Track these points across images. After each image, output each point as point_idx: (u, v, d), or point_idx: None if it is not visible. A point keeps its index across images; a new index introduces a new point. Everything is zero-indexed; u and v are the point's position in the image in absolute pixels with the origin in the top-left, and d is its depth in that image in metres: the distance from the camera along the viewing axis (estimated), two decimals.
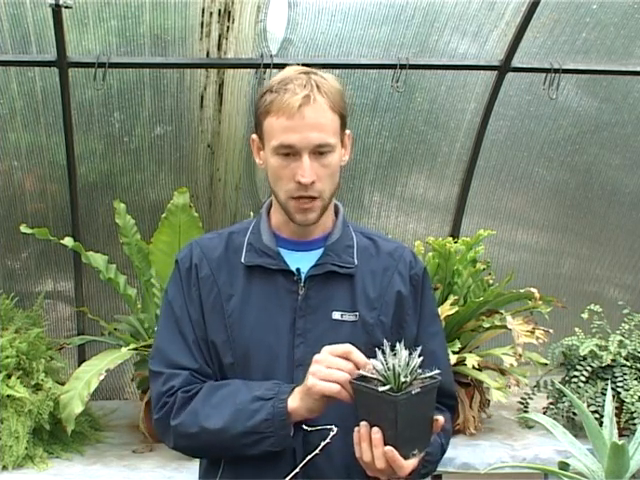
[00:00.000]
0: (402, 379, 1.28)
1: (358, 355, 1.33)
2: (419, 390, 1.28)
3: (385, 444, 1.30)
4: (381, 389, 1.27)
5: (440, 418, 1.36)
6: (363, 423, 1.33)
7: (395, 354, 1.31)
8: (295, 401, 1.37)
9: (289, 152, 1.42)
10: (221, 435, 1.40)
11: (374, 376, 1.31)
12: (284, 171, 1.43)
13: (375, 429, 1.31)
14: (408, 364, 1.29)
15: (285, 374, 1.46)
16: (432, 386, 1.32)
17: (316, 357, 1.36)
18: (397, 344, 1.32)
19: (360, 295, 1.50)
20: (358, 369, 1.33)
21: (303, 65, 1.53)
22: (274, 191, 1.48)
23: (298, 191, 1.43)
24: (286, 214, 1.48)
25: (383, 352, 1.32)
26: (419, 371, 1.31)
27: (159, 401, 1.48)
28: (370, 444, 1.31)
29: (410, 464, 1.32)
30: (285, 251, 1.52)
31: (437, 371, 1.33)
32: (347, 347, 1.35)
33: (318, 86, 1.42)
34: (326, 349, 1.36)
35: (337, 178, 1.49)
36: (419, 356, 1.31)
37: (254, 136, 1.51)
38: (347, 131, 1.51)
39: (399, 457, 1.30)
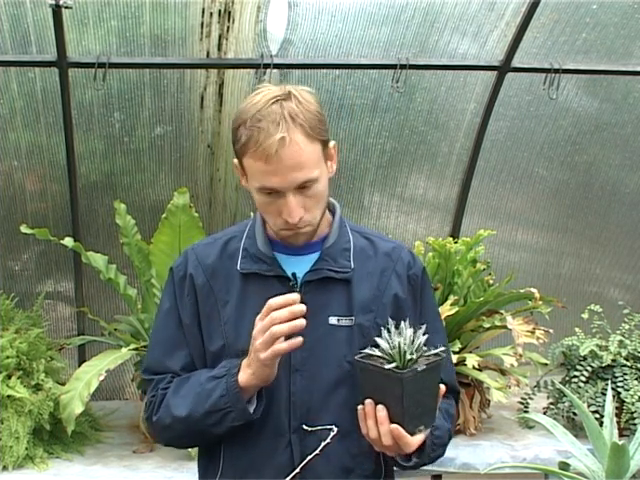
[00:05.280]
0: (408, 357, 1.29)
1: (276, 302, 1.35)
2: (424, 367, 1.30)
3: (391, 421, 1.32)
4: (387, 367, 1.28)
5: (442, 387, 1.39)
6: (368, 401, 1.34)
7: (400, 332, 1.32)
8: (245, 373, 1.40)
9: (272, 192, 1.40)
10: (189, 420, 1.45)
11: (379, 354, 1.32)
12: (270, 207, 1.43)
13: (380, 407, 1.32)
14: (413, 342, 1.31)
15: (282, 379, 1.46)
16: (437, 363, 1.34)
17: (254, 331, 1.38)
18: (402, 323, 1.33)
19: (356, 299, 1.50)
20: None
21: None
22: (264, 218, 1.51)
23: (287, 225, 1.43)
24: (278, 237, 1.51)
25: (388, 330, 1.33)
26: (424, 349, 1.33)
27: (146, 403, 1.55)
28: (376, 421, 1.33)
29: (417, 440, 1.34)
30: (281, 255, 1.52)
31: (442, 348, 1.35)
32: (266, 305, 1.36)
33: (293, 118, 1.37)
34: (257, 318, 1.38)
35: (326, 197, 1.48)
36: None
37: (236, 162, 1.48)
38: (331, 143, 1.47)
39: (405, 434, 1.31)
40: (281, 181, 1.37)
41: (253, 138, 1.36)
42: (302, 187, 1.40)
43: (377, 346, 1.34)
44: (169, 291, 1.56)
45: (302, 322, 1.33)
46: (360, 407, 1.36)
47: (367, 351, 1.34)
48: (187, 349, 1.52)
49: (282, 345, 1.34)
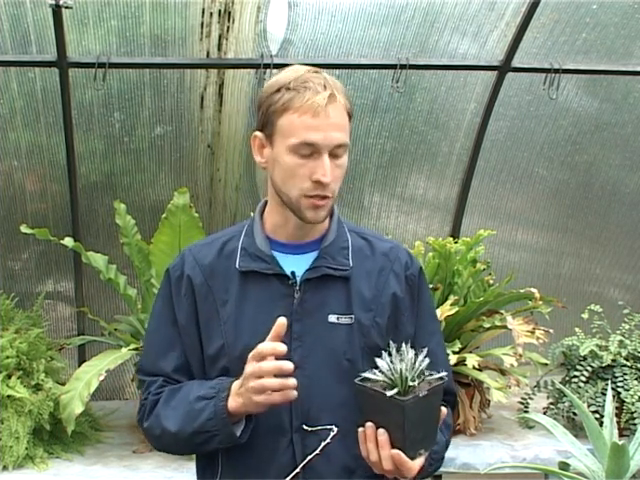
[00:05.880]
0: (410, 383, 1.27)
1: (264, 349, 1.33)
2: (426, 393, 1.28)
3: (392, 446, 1.29)
4: (389, 394, 1.26)
5: (443, 409, 1.37)
6: (369, 424, 1.32)
7: (401, 356, 1.30)
8: (236, 401, 1.38)
9: (309, 151, 1.40)
10: (178, 436, 1.45)
11: (379, 378, 1.30)
12: (300, 170, 1.41)
13: (381, 430, 1.30)
14: (414, 367, 1.29)
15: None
16: (439, 388, 1.31)
17: (246, 370, 1.36)
18: (403, 345, 1.31)
19: (355, 297, 1.49)
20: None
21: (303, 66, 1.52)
22: (281, 190, 1.45)
23: (315, 190, 1.42)
24: (294, 212, 1.46)
25: (389, 353, 1.31)
26: (426, 373, 1.31)
27: (139, 406, 1.55)
28: (376, 445, 1.31)
29: (417, 464, 1.32)
30: (279, 254, 1.51)
31: (444, 373, 1.33)
32: (256, 349, 1.34)
33: (333, 85, 1.42)
34: (250, 356, 1.36)
35: (343, 177, 1.49)
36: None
37: (258, 133, 1.48)
38: None
39: (407, 460, 1.29)
40: (324, 138, 1.39)
41: (300, 94, 1.40)
42: (334, 155, 1.42)
43: (377, 367, 1.31)
44: (164, 292, 1.55)
45: (293, 382, 1.33)
46: (360, 429, 1.34)
47: (368, 375, 1.31)
48: (181, 350, 1.52)
49: (275, 398, 1.34)
